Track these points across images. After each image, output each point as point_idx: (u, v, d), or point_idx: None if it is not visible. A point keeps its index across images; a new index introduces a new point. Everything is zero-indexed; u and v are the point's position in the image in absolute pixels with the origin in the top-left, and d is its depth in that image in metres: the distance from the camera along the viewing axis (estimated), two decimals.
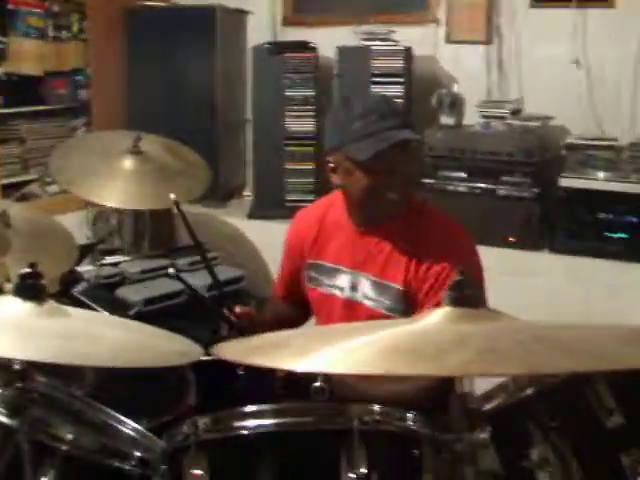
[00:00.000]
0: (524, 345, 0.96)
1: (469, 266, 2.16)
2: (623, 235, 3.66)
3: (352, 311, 2.18)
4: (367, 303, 2.16)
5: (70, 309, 1.44)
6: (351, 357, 0.95)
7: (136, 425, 1.67)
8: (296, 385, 1.65)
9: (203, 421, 1.38)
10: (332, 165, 2.14)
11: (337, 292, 2.22)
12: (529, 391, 1.42)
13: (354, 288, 2.19)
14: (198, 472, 1.30)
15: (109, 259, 3.48)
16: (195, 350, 1.36)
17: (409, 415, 1.36)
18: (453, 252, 2.10)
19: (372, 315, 2.12)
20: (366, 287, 2.17)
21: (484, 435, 1.16)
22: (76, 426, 1.48)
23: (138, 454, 1.52)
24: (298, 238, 2.34)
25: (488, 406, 1.43)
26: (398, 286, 2.11)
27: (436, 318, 1.11)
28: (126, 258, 3.56)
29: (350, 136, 2.03)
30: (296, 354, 1.00)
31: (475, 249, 2.18)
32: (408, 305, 2.08)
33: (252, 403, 1.37)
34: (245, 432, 1.34)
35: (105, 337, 1.33)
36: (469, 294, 1.12)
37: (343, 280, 2.21)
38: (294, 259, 2.37)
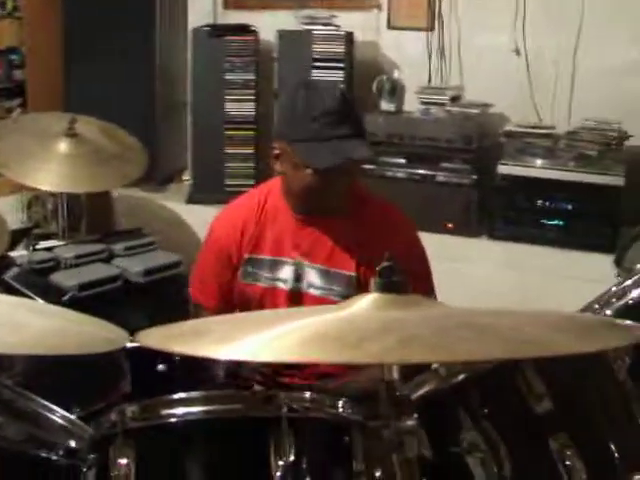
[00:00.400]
0: (449, 332, 0.95)
1: (420, 252, 2.20)
2: (559, 222, 3.72)
3: (298, 302, 2.15)
4: (314, 292, 2.15)
5: None
6: (274, 345, 0.94)
7: (66, 413, 1.64)
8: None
9: (131, 409, 1.35)
10: (277, 152, 2.09)
11: (281, 284, 2.17)
12: (460, 377, 1.42)
13: (298, 279, 2.16)
14: (123, 461, 1.28)
15: (43, 244, 3.41)
16: (121, 337, 1.33)
17: (339, 402, 1.35)
18: (402, 238, 2.14)
19: (319, 303, 2.09)
20: (312, 276, 2.15)
21: (411, 422, 1.16)
22: (4, 416, 1.45)
23: (66, 444, 1.49)
24: (230, 237, 2.22)
25: (420, 392, 1.43)
26: (349, 272, 2.11)
27: (364, 304, 1.10)
28: (61, 243, 3.49)
29: (304, 134, 2.00)
30: (218, 341, 0.99)
31: (418, 236, 2.22)
32: (360, 290, 2.08)
33: (190, 389, 1.35)
34: (173, 420, 1.32)
35: (29, 324, 1.30)
36: (397, 280, 1.12)
37: (286, 271, 2.17)
38: (227, 259, 2.23)
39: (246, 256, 2.20)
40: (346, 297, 2.03)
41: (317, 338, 0.95)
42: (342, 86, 1.99)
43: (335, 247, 2.13)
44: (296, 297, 2.16)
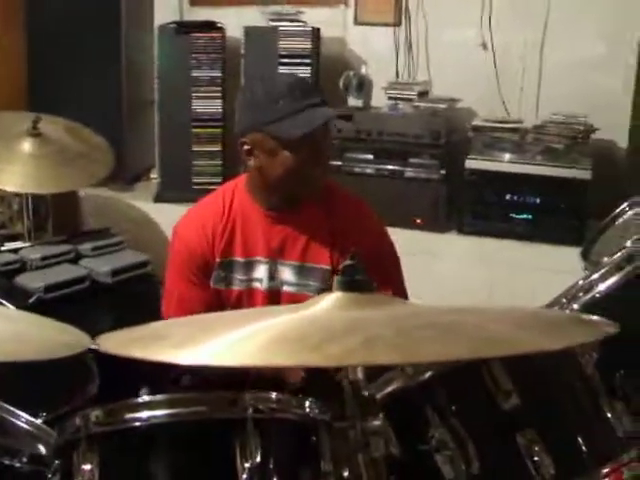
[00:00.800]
0: (413, 332, 0.94)
1: (390, 246, 2.23)
2: (528, 216, 3.74)
3: (275, 301, 2.14)
4: (288, 289, 2.14)
5: None
6: (234, 349, 0.92)
7: (31, 418, 1.62)
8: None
9: (95, 413, 1.33)
10: (248, 147, 2.07)
11: (257, 284, 2.15)
12: (427, 374, 1.42)
13: (272, 277, 2.14)
14: (87, 467, 1.26)
15: (8, 245, 3.37)
16: (82, 341, 1.30)
17: (306, 402, 1.34)
18: (373, 231, 2.18)
19: (295, 300, 2.07)
20: (286, 274, 2.14)
21: (377, 422, 1.15)
22: None
23: (31, 450, 1.47)
24: (201, 242, 2.15)
25: (387, 390, 1.43)
26: (325, 266, 2.11)
27: (326, 304, 1.09)
28: (27, 244, 3.45)
29: (275, 115, 1.99)
30: (177, 345, 0.97)
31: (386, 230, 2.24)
32: None
33: (157, 390, 1.33)
34: (137, 424, 1.30)
35: None
36: (360, 279, 1.10)
37: (260, 271, 2.15)
38: (202, 266, 2.16)
39: (218, 260, 2.15)
40: (322, 291, 2.05)
41: (278, 341, 0.93)
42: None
43: (308, 242, 2.13)
44: (273, 296, 2.15)
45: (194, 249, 2.16)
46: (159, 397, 1.32)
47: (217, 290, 2.16)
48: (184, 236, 2.20)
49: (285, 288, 2.14)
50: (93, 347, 1.25)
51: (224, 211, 2.16)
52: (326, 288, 2.01)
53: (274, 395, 1.31)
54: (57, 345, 1.24)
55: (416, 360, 1.11)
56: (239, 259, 2.15)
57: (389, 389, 1.43)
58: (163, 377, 2.01)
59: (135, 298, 3.36)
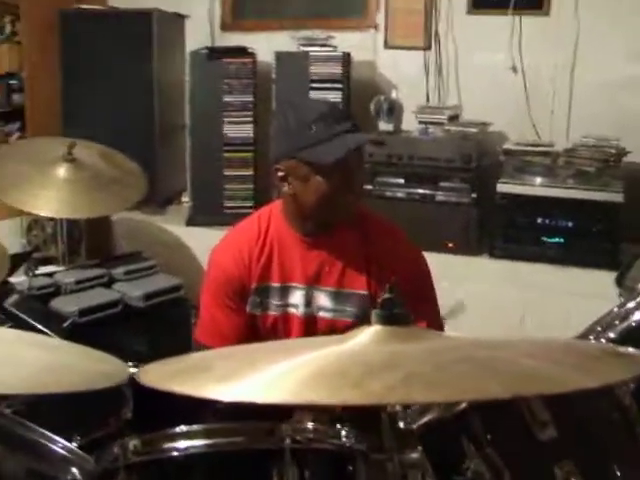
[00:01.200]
0: (449, 368, 0.94)
1: (427, 272, 2.22)
2: (560, 239, 3.72)
3: (311, 326, 2.14)
4: (325, 315, 2.14)
5: None
6: (275, 385, 0.93)
7: (67, 443, 1.63)
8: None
9: (133, 443, 1.34)
10: (282, 173, 2.07)
11: (293, 310, 2.15)
12: (463, 405, 1.41)
13: (308, 303, 2.14)
14: None
15: (43, 269, 3.42)
16: (122, 371, 1.32)
17: (343, 432, 1.34)
18: (409, 257, 2.17)
19: (332, 326, 2.09)
20: (322, 299, 2.14)
21: (415, 455, 1.15)
22: (4, 447, 1.43)
23: (64, 476, 1.47)
24: (238, 267, 2.15)
25: (422, 420, 1.42)
26: (362, 292, 2.10)
27: (365, 337, 1.09)
28: (61, 268, 3.50)
29: (308, 141, 1.99)
30: (219, 380, 0.98)
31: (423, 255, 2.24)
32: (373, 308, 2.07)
33: (192, 417, 1.34)
34: (175, 454, 1.31)
35: (27, 361, 1.29)
36: (399, 312, 1.11)
37: (297, 297, 2.15)
38: (239, 291, 2.16)
39: (254, 285, 2.15)
40: (359, 316, 2.05)
41: (318, 376, 0.94)
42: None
43: (344, 267, 2.13)
44: (309, 321, 2.14)
45: (231, 274, 2.16)
46: (197, 427, 1.32)
47: (252, 315, 2.16)
48: (221, 261, 2.20)
49: (321, 314, 2.14)
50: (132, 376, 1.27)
51: (260, 236, 2.16)
52: (362, 314, 2.03)
53: (311, 425, 1.32)
54: (96, 376, 1.26)
55: (453, 399, 1.10)
56: (275, 284, 2.15)
57: (424, 419, 1.42)
58: (198, 405, 2.01)
59: (167, 322, 3.40)
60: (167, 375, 1.08)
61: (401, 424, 1.20)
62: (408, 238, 2.24)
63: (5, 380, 1.16)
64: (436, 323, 2.15)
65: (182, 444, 1.31)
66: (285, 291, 2.15)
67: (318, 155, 1.99)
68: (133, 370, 1.43)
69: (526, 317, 3.62)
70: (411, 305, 1.19)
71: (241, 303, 2.16)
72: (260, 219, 2.21)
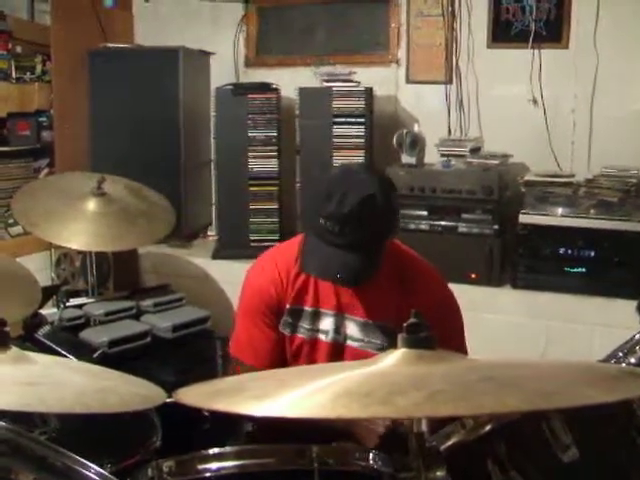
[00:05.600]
0: (472, 386, 0.99)
1: (455, 307, 2.25)
2: (582, 269, 3.73)
3: (337, 354, 2.17)
4: (353, 344, 2.16)
5: (33, 355, 1.45)
6: (306, 401, 0.97)
7: (100, 469, 1.67)
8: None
9: (167, 464, 1.39)
10: None
11: (322, 336, 2.18)
12: (487, 427, 1.45)
13: (337, 331, 2.17)
14: None
15: (73, 301, 3.49)
16: (158, 394, 1.37)
17: (370, 454, 1.38)
18: (439, 292, 2.20)
19: (358, 356, 2.10)
20: (351, 329, 2.17)
21: (441, 473, 1.19)
22: (39, 473, 1.48)
23: None
24: (275, 287, 2.18)
25: (447, 443, 1.46)
26: (390, 324, 2.10)
27: (392, 360, 1.14)
28: (90, 300, 3.56)
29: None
30: (255, 398, 1.03)
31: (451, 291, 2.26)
32: None
33: (218, 444, 1.38)
34: (208, 475, 1.36)
35: (69, 383, 1.34)
36: (423, 336, 1.16)
37: (327, 323, 2.18)
38: (275, 310, 2.19)
39: (288, 306, 2.18)
40: (385, 349, 2.07)
41: (349, 393, 0.98)
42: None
43: (376, 299, 2.15)
44: (336, 349, 2.17)
45: (268, 291, 2.18)
46: (229, 449, 1.37)
47: (282, 335, 2.20)
48: (258, 278, 2.22)
49: (349, 343, 2.16)
50: (169, 400, 1.32)
51: (298, 259, 2.16)
52: (389, 347, 2.05)
53: (339, 447, 1.36)
54: (135, 398, 1.31)
55: (476, 412, 1.14)
56: (308, 308, 2.18)
57: (449, 442, 1.46)
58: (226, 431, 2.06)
59: (194, 353, 3.44)
60: (206, 395, 1.13)
61: (427, 445, 1.24)
62: (435, 269, 2.26)
63: (46, 400, 1.21)
64: (462, 351, 2.18)
65: (214, 465, 1.35)
66: (316, 316, 2.18)
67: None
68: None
69: (549, 347, 3.63)
70: (441, 335, 1.23)
71: (275, 320, 2.19)
72: (299, 243, 2.21)
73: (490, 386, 0.98)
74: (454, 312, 2.24)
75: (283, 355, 2.21)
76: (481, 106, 4.42)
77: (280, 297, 2.18)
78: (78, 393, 1.30)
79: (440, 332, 1.22)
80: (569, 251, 3.74)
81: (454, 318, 2.23)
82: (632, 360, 1.67)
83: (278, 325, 2.19)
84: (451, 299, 2.25)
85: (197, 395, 1.14)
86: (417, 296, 2.11)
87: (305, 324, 2.19)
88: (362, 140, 4.17)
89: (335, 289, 2.16)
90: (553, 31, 4.20)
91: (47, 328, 3.18)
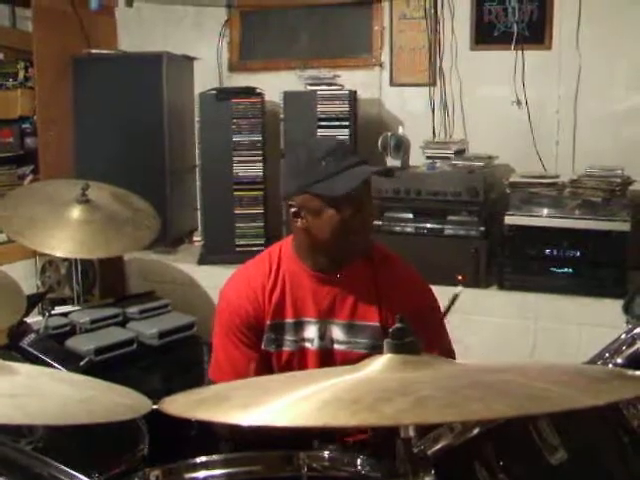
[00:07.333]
0: (459, 392, 0.98)
1: (436, 304, 2.27)
2: (568, 270, 3.74)
3: (326, 359, 2.16)
4: (340, 347, 2.16)
5: (16, 365, 1.43)
6: (294, 409, 0.97)
7: (85, 479, 1.65)
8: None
9: (154, 473, 1.38)
10: (295, 209, 2.10)
11: (308, 344, 2.18)
12: (475, 431, 1.44)
13: (322, 337, 2.17)
14: None
15: (58, 309, 3.47)
16: (144, 403, 1.35)
17: (358, 460, 1.38)
18: (419, 287, 2.22)
19: (346, 358, 2.10)
20: (335, 333, 2.17)
21: (429, 479, 1.18)
22: None
23: None
24: (251, 306, 2.17)
25: (435, 447, 1.45)
26: (374, 323, 2.13)
27: (378, 366, 1.13)
28: (76, 307, 3.55)
29: (319, 175, 2.03)
30: (239, 407, 1.02)
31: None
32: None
33: (205, 451, 1.38)
34: None
35: (53, 393, 1.33)
36: (409, 341, 1.15)
37: (311, 331, 2.17)
38: (254, 329, 2.18)
39: (268, 322, 2.17)
40: (372, 347, 2.08)
41: (335, 401, 0.98)
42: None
43: (356, 300, 2.16)
44: (324, 355, 2.16)
45: (244, 309, 2.17)
46: (216, 457, 1.36)
47: (267, 352, 2.18)
48: (233, 298, 2.21)
49: (336, 346, 2.16)
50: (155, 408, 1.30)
51: (272, 273, 2.19)
52: (375, 345, 2.06)
53: (327, 454, 1.35)
54: (120, 407, 1.29)
55: (464, 419, 1.14)
56: (289, 320, 2.17)
57: (437, 446, 1.46)
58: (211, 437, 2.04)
59: (181, 359, 3.43)
60: (191, 404, 1.12)
61: (415, 450, 1.23)
62: (416, 271, 2.28)
63: (31, 411, 1.20)
64: (447, 351, 2.18)
65: (202, 474, 1.35)
66: (299, 326, 2.17)
67: (330, 188, 2.02)
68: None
69: (536, 347, 3.64)
70: (422, 335, 1.23)
71: (254, 338, 2.17)
72: (271, 256, 2.23)
73: (477, 392, 0.98)
74: (434, 306, 2.26)
75: (268, 373, 2.17)
76: (465, 108, 4.43)
77: (258, 314, 2.17)
78: (62, 404, 1.29)
79: (423, 330, 1.22)
80: (555, 251, 3.76)
81: (434, 313, 2.24)
82: (619, 360, 1.67)
83: (259, 344, 2.18)
84: (429, 294, 2.26)
85: (182, 405, 1.13)
86: (396, 293, 2.13)
87: (289, 336, 2.18)
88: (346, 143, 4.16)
89: (313, 297, 2.16)
90: (536, 32, 4.22)
91: (32, 336, 3.14)
